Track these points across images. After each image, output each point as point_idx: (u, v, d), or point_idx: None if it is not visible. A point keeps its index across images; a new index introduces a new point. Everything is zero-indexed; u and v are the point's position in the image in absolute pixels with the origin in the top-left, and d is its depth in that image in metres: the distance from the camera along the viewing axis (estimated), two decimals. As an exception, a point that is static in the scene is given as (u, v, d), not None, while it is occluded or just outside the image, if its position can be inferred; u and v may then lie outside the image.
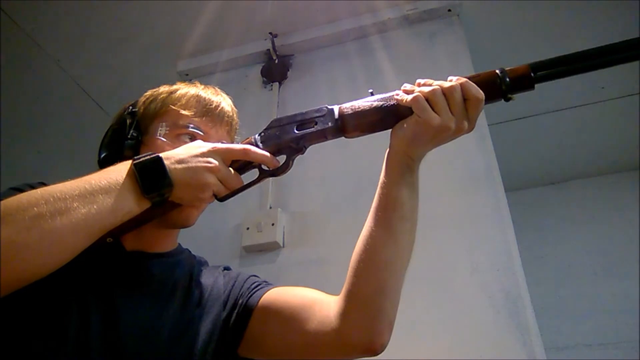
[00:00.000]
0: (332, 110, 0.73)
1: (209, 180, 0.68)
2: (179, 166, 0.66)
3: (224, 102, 0.89)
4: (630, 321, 2.13)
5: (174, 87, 0.88)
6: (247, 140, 0.75)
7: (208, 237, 1.50)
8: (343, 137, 0.75)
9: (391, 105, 0.70)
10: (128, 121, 0.82)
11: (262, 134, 0.76)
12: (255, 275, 0.86)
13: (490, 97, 0.67)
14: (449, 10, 1.72)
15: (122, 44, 1.91)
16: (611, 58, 0.69)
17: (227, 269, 0.89)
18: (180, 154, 0.67)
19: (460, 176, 1.39)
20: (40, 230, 0.55)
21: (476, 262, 1.24)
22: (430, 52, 1.68)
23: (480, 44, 1.80)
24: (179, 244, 0.90)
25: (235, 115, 0.91)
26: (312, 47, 1.85)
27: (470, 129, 0.68)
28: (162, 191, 0.64)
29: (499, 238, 1.26)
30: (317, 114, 0.74)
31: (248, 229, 1.43)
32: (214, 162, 0.68)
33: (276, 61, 1.86)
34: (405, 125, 0.69)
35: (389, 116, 0.70)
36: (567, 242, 2.44)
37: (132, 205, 0.63)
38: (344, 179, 1.50)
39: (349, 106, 0.72)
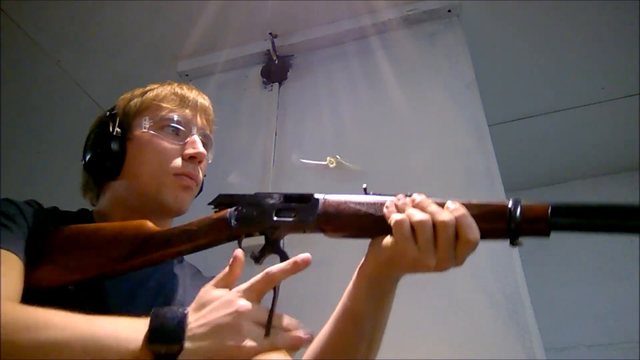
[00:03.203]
0: (316, 203, 0.65)
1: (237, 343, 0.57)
2: (202, 344, 0.55)
3: (199, 96, 0.92)
4: (630, 322, 2.12)
5: (148, 87, 0.90)
6: (222, 213, 0.69)
7: (208, 237, 1.50)
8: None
9: (377, 216, 0.62)
10: (110, 122, 0.85)
11: (239, 208, 0.68)
12: None
13: (491, 235, 0.59)
14: (449, 10, 1.71)
15: (122, 44, 1.91)
16: None
17: None
18: (205, 324, 0.57)
19: (460, 176, 1.39)
20: None
21: (476, 262, 1.23)
22: (430, 52, 1.68)
23: (480, 45, 1.80)
24: None
25: (211, 107, 0.94)
26: (312, 48, 1.85)
27: (459, 265, 0.59)
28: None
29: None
30: (301, 203, 0.67)
31: (248, 229, 1.43)
32: (243, 330, 0.57)
33: (276, 62, 1.85)
34: (382, 245, 0.62)
35: (371, 227, 0.63)
36: (567, 243, 2.44)
37: None
38: (343, 180, 1.50)
39: (335, 203, 0.65)
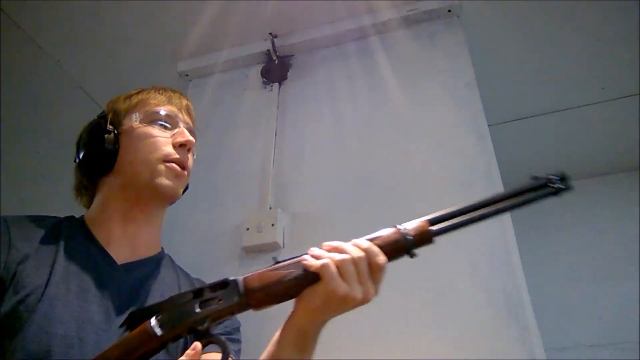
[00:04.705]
0: (235, 283, 0.68)
1: None
2: None
3: (182, 97, 0.98)
4: (631, 322, 2.12)
5: (134, 91, 0.96)
6: (142, 327, 0.66)
7: (208, 238, 1.51)
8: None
9: (299, 273, 0.68)
10: (102, 121, 0.90)
11: (159, 317, 0.66)
12: (236, 329, 0.89)
13: (394, 255, 0.69)
14: (449, 10, 1.71)
15: (122, 44, 1.91)
16: (501, 207, 0.73)
17: None
18: None
19: (460, 176, 1.39)
20: None
21: (476, 262, 1.24)
22: (430, 52, 1.68)
23: (480, 45, 1.80)
24: (162, 248, 0.94)
25: (192, 108, 1.00)
26: (312, 48, 1.85)
27: (376, 294, 0.68)
28: None
29: (499, 238, 1.25)
30: (220, 290, 0.68)
31: (248, 229, 1.43)
32: None
33: (276, 62, 1.85)
34: (311, 293, 0.67)
35: (296, 284, 0.67)
36: (567, 242, 2.44)
37: None
38: (343, 180, 1.50)
39: (256, 276, 0.68)
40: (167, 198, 0.89)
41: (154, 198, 0.88)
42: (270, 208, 1.50)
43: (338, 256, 0.67)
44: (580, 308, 2.27)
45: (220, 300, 0.66)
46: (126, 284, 0.81)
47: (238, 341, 0.89)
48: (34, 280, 0.73)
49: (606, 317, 2.20)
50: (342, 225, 1.39)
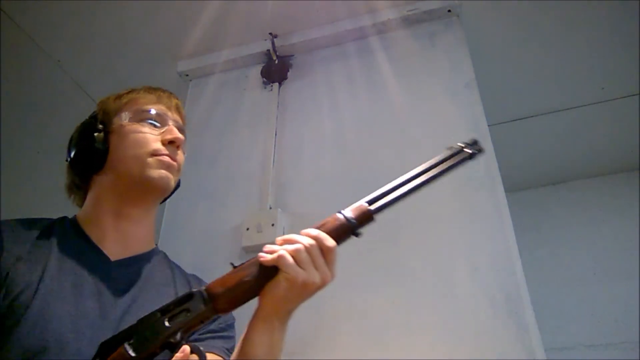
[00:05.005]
0: (199, 293, 0.71)
1: None
2: None
3: (172, 96, 0.99)
4: (630, 322, 2.12)
5: (123, 91, 0.97)
6: (117, 353, 0.66)
7: (208, 237, 1.51)
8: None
9: (257, 270, 0.72)
10: (92, 121, 0.92)
11: (132, 340, 0.67)
12: (230, 326, 0.91)
13: (342, 237, 0.74)
14: (449, 10, 1.71)
15: (122, 44, 1.91)
16: (427, 178, 0.80)
17: None
18: None
19: (460, 176, 1.38)
20: None
21: (476, 262, 1.24)
22: (430, 52, 1.67)
23: (480, 45, 1.80)
24: (156, 245, 0.95)
25: (182, 106, 1.01)
26: (312, 48, 1.85)
27: (332, 277, 0.73)
28: None
29: (499, 238, 1.26)
30: (186, 302, 0.70)
31: (248, 229, 1.43)
32: None
33: (276, 62, 1.85)
34: (274, 286, 0.71)
35: (257, 281, 0.72)
36: (567, 243, 2.44)
37: None
38: (343, 180, 1.50)
39: (218, 283, 0.72)
40: (159, 190, 0.89)
41: (147, 192, 0.89)
42: (270, 208, 1.50)
43: (291, 246, 0.71)
44: (580, 308, 2.27)
45: (188, 311, 0.69)
46: (120, 280, 0.81)
47: (231, 338, 0.89)
48: (27, 278, 0.73)
49: (606, 317, 2.20)
50: (342, 225, 1.39)
